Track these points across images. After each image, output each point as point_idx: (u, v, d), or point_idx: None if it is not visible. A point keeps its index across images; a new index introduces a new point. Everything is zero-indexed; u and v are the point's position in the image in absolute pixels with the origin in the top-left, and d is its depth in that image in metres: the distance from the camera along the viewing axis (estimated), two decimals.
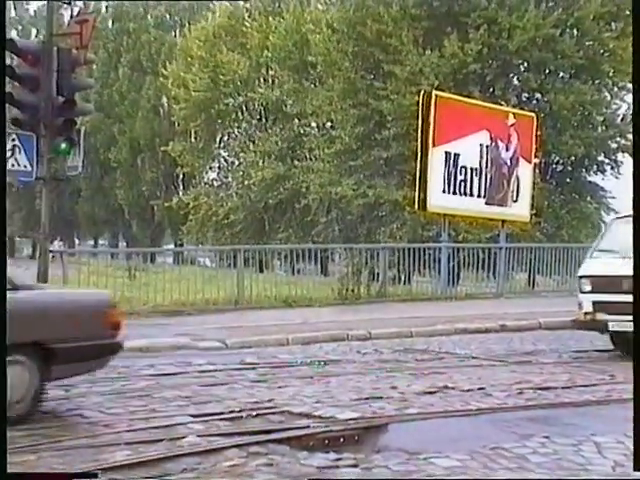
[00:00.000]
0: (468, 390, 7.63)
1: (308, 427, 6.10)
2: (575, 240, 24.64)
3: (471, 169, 16.01)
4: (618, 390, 7.88)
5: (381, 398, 7.18)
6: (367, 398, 7.14)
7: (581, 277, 10.25)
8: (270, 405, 6.88)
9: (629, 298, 8.59)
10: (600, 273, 9.87)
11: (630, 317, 8.61)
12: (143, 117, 39.02)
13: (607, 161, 27.69)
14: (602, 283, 9.75)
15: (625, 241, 9.13)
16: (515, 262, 16.93)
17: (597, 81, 26.89)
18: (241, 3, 33.90)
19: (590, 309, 9.89)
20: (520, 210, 17.00)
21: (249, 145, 32.66)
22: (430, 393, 7.54)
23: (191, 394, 7.36)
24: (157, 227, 42.19)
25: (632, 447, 4.93)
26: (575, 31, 26.27)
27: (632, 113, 4.97)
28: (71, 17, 18.31)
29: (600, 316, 9.77)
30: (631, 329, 8.48)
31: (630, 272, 8.79)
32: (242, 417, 6.43)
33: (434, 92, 16.27)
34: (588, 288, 9.98)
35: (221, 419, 6.38)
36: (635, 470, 4.84)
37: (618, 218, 10.48)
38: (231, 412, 6.55)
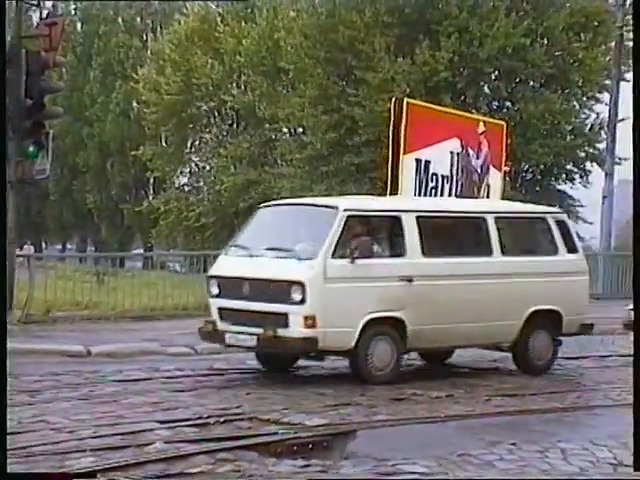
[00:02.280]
0: (436, 397, 7.66)
1: (276, 434, 6.07)
2: None
3: (442, 176, 16.07)
4: (585, 397, 7.95)
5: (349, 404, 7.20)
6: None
7: (209, 277, 8.76)
8: (238, 411, 6.84)
9: (250, 305, 7.99)
10: (227, 274, 8.53)
11: (249, 329, 7.89)
12: (113, 121, 38.73)
13: (576, 170, 27.97)
14: (227, 286, 8.45)
15: (261, 236, 8.50)
16: None
17: (566, 90, 27.17)
18: (214, 8, 33.81)
19: (216, 316, 8.51)
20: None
21: (220, 150, 32.55)
22: (399, 400, 7.54)
23: (158, 400, 7.30)
24: (126, 231, 41.87)
25: (632, 447, 4.95)
26: (545, 41, 26.52)
27: (632, 113, 5.02)
28: (40, 19, 18.13)
29: (222, 326, 8.42)
30: (248, 344, 8.02)
31: (255, 274, 8.10)
32: (210, 423, 6.39)
33: (405, 99, 16.31)
34: (215, 291, 8.57)
35: (189, 425, 6.33)
36: (635, 470, 4.87)
37: (265, 207, 9.22)
38: (199, 418, 6.50)
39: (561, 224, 9.58)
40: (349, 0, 26.88)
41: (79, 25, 42.66)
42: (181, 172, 36.52)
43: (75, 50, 40.54)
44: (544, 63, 25.84)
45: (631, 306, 11.37)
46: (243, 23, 31.05)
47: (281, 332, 8.01)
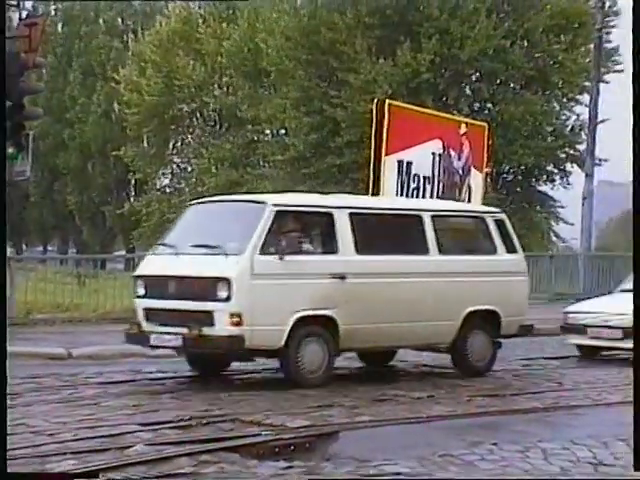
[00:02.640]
0: (418, 398, 7.68)
1: (259, 435, 6.06)
2: (525, 249, 24.97)
3: (424, 177, 16.09)
4: (565, 397, 7.99)
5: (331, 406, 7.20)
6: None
7: (135, 278, 8.56)
8: (220, 413, 6.82)
9: (175, 304, 7.78)
10: (152, 273, 8.32)
11: (175, 329, 7.64)
12: (94, 122, 38.53)
13: (556, 171, 28.14)
14: (153, 285, 8.24)
15: (189, 234, 8.22)
16: None
17: (547, 92, 27.34)
18: (195, 9, 33.73)
19: (141, 317, 8.29)
20: None
21: (202, 151, 32.47)
22: (381, 401, 7.57)
23: (140, 402, 7.27)
24: (108, 233, 41.66)
25: (633, 447, 4.96)
26: (525, 42, 26.67)
27: (632, 112, 5.03)
28: (20, 20, 18.01)
29: (148, 327, 8.21)
30: (174, 344, 7.72)
31: (180, 272, 7.82)
32: (192, 425, 6.37)
33: (387, 101, 16.34)
34: (141, 291, 8.36)
35: (170, 427, 6.30)
36: (635, 470, 4.90)
37: (195, 204, 9.02)
38: (180, 420, 6.48)
39: (500, 224, 9.42)
40: (331, 2, 26.91)
41: (59, 26, 42.42)
42: (163, 173, 36.40)
43: (55, 51, 40.29)
44: (524, 65, 25.99)
45: (570, 308, 11.40)
46: (224, 24, 30.99)
47: (206, 331, 7.74)
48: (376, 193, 15.54)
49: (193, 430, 6.25)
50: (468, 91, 27.69)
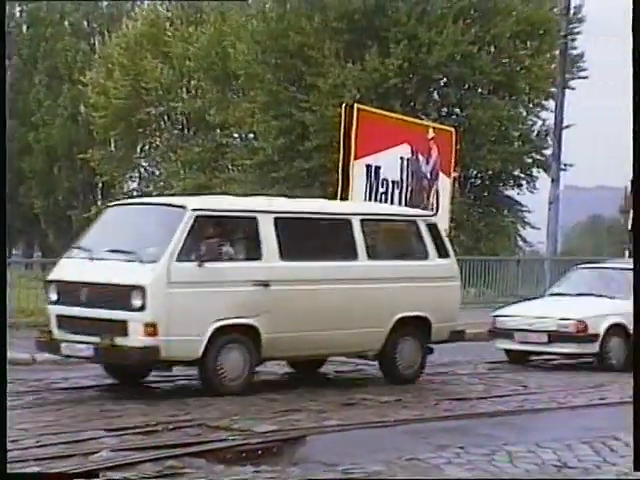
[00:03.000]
0: (386, 402, 7.69)
1: (225, 440, 6.02)
2: (492, 253, 25.17)
3: (392, 182, 16.15)
4: (531, 400, 8.05)
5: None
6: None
7: (47, 282, 8.30)
8: (187, 418, 6.77)
9: (88, 312, 7.44)
10: (65, 278, 8.02)
11: (87, 337, 7.31)
12: (60, 125, 38.14)
13: (523, 176, 28.38)
14: (65, 291, 7.96)
15: (105, 237, 7.91)
16: None
17: (513, 97, 27.59)
18: (163, 12, 33.54)
19: (53, 325, 8.01)
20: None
21: (170, 155, 32.28)
22: (348, 405, 7.56)
23: (105, 408, 7.19)
24: (74, 237, 41.21)
25: (633, 447, 5.00)
26: (492, 48, 26.89)
27: (632, 113, 5.08)
28: None
29: (59, 334, 7.93)
30: (85, 353, 7.37)
31: (93, 278, 7.49)
32: (158, 431, 6.31)
33: (356, 105, 16.38)
34: (54, 297, 8.07)
35: (136, 433, 6.24)
36: (635, 470, 4.93)
37: (113, 206, 8.86)
38: (146, 426, 6.42)
39: (432, 228, 9.23)
40: (299, 6, 26.93)
41: (24, 28, 41.96)
42: (130, 177, 36.15)
43: (21, 53, 39.85)
44: (491, 70, 26.20)
45: (498, 312, 11.25)
46: (192, 28, 30.87)
47: (119, 341, 7.50)
48: (345, 197, 15.57)
49: (159, 435, 6.20)
50: (436, 96, 27.86)
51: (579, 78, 28.23)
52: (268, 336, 7.94)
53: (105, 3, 40.59)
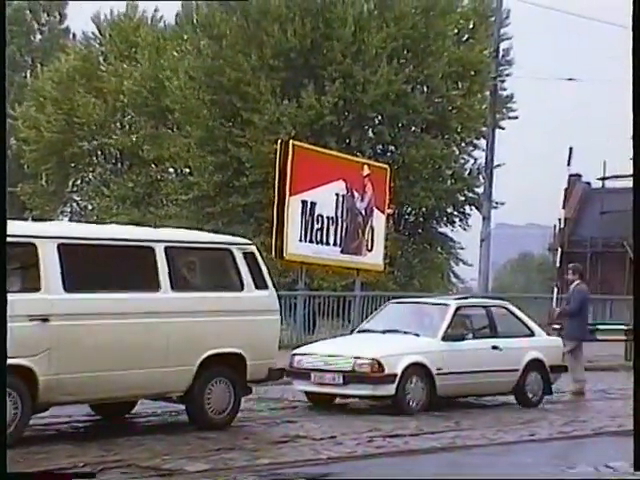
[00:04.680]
0: (320, 439, 7.61)
1: None
2: (426, 289, 25.43)
3: (327, 218, 16.24)
4: (462, 437, 8.07)
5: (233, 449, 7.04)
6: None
7: None
8: (117, 459, 6.58)
9: None
10: None
11: None
12: None
13: (456, 213, 28.88)
14: None
15: None
16: (370, 310, 17.23)
17: (446, 136, 28.16)
18: (96, 46, 33.32)
19: None
20: (374, 259, 17.38)
21: (103, 190, 31.87)
22: (282, 442, 7.46)
23: (31, 449, 6.94)
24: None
25: (633, 447, 4.96)
26: (425, 88, 27.47)
27: (632, 113, 5.11)
28: None
29: None
30: None
31: None
32: (87, 473, 6.10)
33: (291, 142, 16.47)
34: None
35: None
36: (635, 470, 4.90)
37: None
38: (73, 467, 6.21)
39: (250, 256, 8.32)
40: (235, 43, 27.07)
41: None
42: (62, 212, 35.49)
43: None
44: (425, 109, 26.73)
45: (297, 350, 9.84)
46: (126, 63, 30.72)
47: None
48: (280, 232, 15.57)
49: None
50: (371, 134, 28.25)
51: (509, 118, 29.02)
52: (47, 378, 7.05)
53: (39, 36, 40.13)
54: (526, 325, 10.56)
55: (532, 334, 10.48)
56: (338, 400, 9.80)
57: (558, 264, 20.67)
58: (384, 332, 10.04)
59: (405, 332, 9.91)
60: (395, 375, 9.17)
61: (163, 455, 6.69)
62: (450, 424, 8.75)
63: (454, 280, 30.67)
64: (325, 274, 21.39)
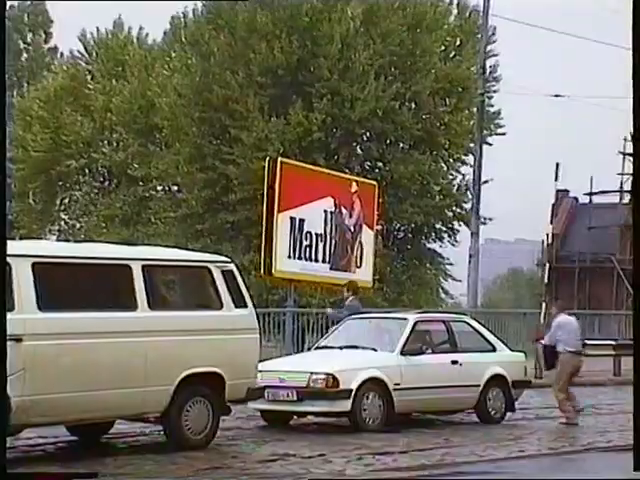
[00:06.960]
0: (309, 457, 7.55)
1: None
2: (415, 305, 25.40)
3: (316, 234, 16.23)
4: (452, 454, 8.03)
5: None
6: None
7: None
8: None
9: None
10: None
11: None
12: None
13: (444, 229, 28.91)
14: None
15: None
16: None
17: (434, 152, 28.24)
18: (84, 66, 33.33)
19: None
20: (363, 275, 17.35)
21: (91, 208, 31.78)
22: (270, 461, 7.40)
23: (18, 471, 6.84)
24: None
25: (633, 447, 4.92)
26: (413, 104, 27.56)
27: (632, 114, 5.11)
28: None
29: None
30: None
31: None
32: None
33: (280, 159, 16.48)
34: None
35: None
36: (635, 470, 4.86)
37: None
38: None
39: (228, 275, 8.25)
40: (223, 60, 27.13)
41: None
42: (49, 230, 35.32)
43: None
44: (412, 126, 26.81)
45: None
46: (114, 81, 30.72)
47: None
48: (269, 249, 15.54)
49: None
50: (359, 150, 28.31)
51: (496, 134, 29.15)
52: (19, 400, 6.90)
53: (25, 55, 40.13)
54: (487, 340, 10.42)
55: (494, 349, 10.34)
56: (295, 420, 9.49)
57: (546, 280, 20.70)
58: (342, 348, 9.90)
59: (363, 347, 9.78)
60: (350, 390, 8.98)
61: (153, 476, 6.61)
62: (440, 441, 8.71)
63: (443, 296, 30.67)
64: (314, 291, 21.34)
